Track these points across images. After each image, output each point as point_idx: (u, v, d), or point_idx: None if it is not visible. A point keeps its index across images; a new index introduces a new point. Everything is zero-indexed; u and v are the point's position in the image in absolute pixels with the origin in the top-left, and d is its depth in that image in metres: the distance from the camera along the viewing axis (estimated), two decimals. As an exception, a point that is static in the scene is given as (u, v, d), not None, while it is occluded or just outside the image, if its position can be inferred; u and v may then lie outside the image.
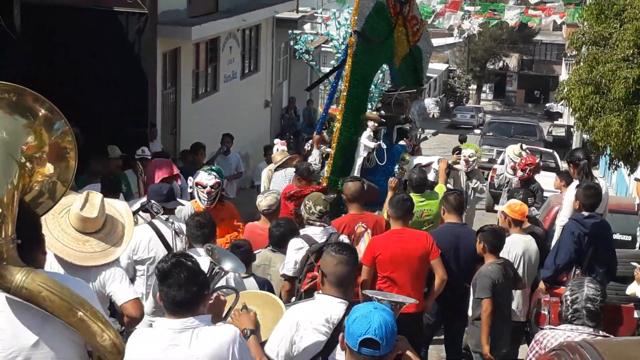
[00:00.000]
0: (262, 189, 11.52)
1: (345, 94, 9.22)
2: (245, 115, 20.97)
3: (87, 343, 3.68)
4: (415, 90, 10.10)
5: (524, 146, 12.50)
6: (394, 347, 3.45)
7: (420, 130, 10.19)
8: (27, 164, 3.68)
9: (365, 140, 9.29)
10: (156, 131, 14.78)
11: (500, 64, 69.51)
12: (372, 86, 11.27)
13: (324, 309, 4.44)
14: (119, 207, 5.34)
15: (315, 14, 31.80)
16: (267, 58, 23.27)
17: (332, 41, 14.24)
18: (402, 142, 10.14)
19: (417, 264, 7.08)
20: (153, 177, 9.78)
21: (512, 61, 70.59)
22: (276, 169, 10.98)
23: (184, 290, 3.80)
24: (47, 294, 3.55)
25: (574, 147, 26.44)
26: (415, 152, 10.64)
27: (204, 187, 8.10)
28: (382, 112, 10.16)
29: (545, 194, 14.63)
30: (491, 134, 31.51)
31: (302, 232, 6.85)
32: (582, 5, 22.12)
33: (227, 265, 4.37)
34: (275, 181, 10.82)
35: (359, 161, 9.37)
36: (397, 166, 9.68)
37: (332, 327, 4.37)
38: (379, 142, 9.35)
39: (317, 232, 6.78)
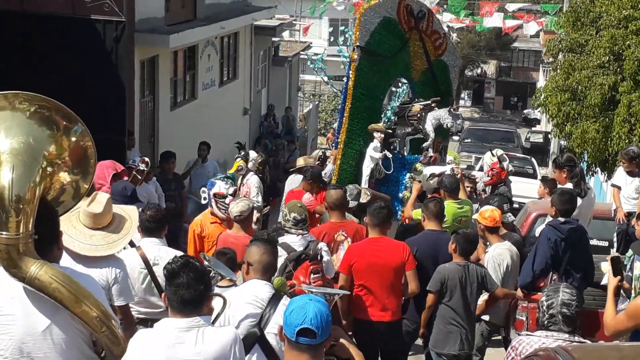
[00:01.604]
0: None
1: (349, 106, 9.21)
2: (224, 123, 20.93)
3: (92, 333, 4.04)
4: (428, 102, 10.09)
5: (498, 151, 12.61)
6: (329, 335, 3.68)
7: (431, 139, 10.13)
8: (48, 168, 4.13)
9: (371, 152, 9.28)
10: (134, 139, 14.71)
11: (478, 71, 69.83)
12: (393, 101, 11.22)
13: (250, 289, 4.90)
14: (126, 208, 5.86)
15: (294, 22, 31.87)
16: (246, 65, 23.26)
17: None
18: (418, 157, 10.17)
19: (392, 274, 7.09)
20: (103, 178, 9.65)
21: (490, 68, 70.91)
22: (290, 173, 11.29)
23: (192, 289, 3.99)
24: (56, 285, 3.94)
25: (551, 153, 26.65)
26: (432, 162, 10.60)
27: (225, 197, 8.09)
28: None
29: (523, 200, 14.77)
30: (469, 140, 31.63)
31: (280, 240, 6.83)
32: (559, 13, 22.30)
33: (223, 271, 4.67)
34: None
35: (366, 172, 9.34)
36: (407, 175, 9.66)
37: (261, 302, 4.81)
38: (384, 153, 9.33)
39: (295, 240, 6.77)
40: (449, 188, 9.16)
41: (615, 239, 9.89)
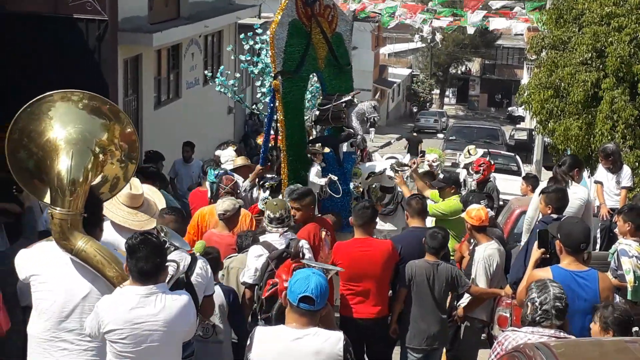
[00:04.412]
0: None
1: (285, 142, 9.02)
2: (208, 122, 20.90)
3: None
4: (349, 98, 9.86)
5: (471, 147, 12.69)
6: (325, 305, 4.45)
7: (360, 136, 9.98)
8: (100, 155, 4.97)
9: (314, 178, 9.12)
10: (118, 138, 14.65)
11: (463, 69, 70.01)
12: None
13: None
14: (146, 189, 6.81)
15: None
16: (230, 64, 23.20)
17: None
18: (351, 150, 10.02)
19: (378, 272, 7.09)
20: None
21: (475, 65, 71.13)
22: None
23: (150, 262, 4.52)
24: (100, 258, 4.73)
25: (535, 150, 26.72)
26: (364, 157, 10.51)
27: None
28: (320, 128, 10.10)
29: (508, 197, 14.80)
30: (454, 138, 31.70)
31: (261, 238, 6.81)
32: (542, 10, 22.35)
33: (177, 242, 5.10)
34: None
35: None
36: (352, 185, 9.58)
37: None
38: (329, 177, 9.21)
39: (276, 239, 6.75)
40: (457, 181, 9.58)
41: (598, 235, 9.92)
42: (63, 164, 4.76)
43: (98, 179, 5.00)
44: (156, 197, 6.80)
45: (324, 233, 7.60)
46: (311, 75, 10.61)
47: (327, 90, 10.25)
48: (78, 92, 5.04)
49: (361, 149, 10.12)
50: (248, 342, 4.55)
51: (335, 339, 4.45)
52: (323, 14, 9.89)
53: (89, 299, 4.77)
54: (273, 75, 9.15)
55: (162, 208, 6.33)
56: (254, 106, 15.66)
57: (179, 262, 5.11)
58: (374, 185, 10.04)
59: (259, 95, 14.66)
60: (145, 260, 4.50)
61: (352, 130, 9.67)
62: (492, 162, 12.24)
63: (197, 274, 5.55)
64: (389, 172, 9.98)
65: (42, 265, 4.85)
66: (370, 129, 40.02)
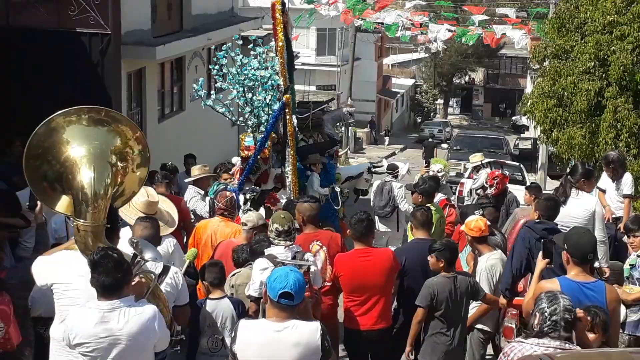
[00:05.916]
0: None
1: (293, 149, 9.15)
2: (212, 135, 20.90)
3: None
4: (325, 105, 10.15)
5: (476, 155, 12.72)
6: (303, 299, 4.76)
7: (338, 140, 10.33)
8: (119, 163, 5.19)
9: (319, 189, 9.26)
10: (122, 152, 14.68)
11: (467, 78, 70.04)
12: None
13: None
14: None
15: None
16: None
17: None
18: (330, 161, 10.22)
19: (381, 282, 7.07)
20: None
21: (478, 75, 71.15)
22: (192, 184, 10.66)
23: (111, 276, 4.64)
24: None
25: (540, 159, 26.75)
26: (335, 159, 10.72)
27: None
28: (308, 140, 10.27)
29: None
30: (458, 147, 31.67)
31: (266, 251, 6.79)
32: (544, 19, 22.38)
33: (148, 255, 5.13)
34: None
35: None
36: (338, 190, 9.76)
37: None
38: (332, 186, 9.32)
39: (281, 252, 6.73)
40: (427, 193, 9.46)
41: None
42: (86, 178, 4.97)
43: (117, 189, 5.20)
44: (167, 207, 7.07)
45: (317, 246, 7.54)
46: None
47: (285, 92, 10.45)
48: (74, 109, 5.22)
49: (332, 154, 10.39)
50: (233, 335, 4.81)
51: (313, 329, 4.72)
52: (286, 19, 10.24)
53: None
54: (283, 89, 9.29)
55: (137, 217, 6.50)
56: (240, 118, 15.52)
57: (156, 274, 5.22)
58: (347, 190, 10.32)
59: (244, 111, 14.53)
60: (106, 275, 4.63)
61: (336, 138, 9.91)
62: (507, 174, 12.19)
63: (166, 284, 5.66)
64: (367, 175, 10.27)
65: (66, 274, 5.03)
66: (385, 138, 40.40)
